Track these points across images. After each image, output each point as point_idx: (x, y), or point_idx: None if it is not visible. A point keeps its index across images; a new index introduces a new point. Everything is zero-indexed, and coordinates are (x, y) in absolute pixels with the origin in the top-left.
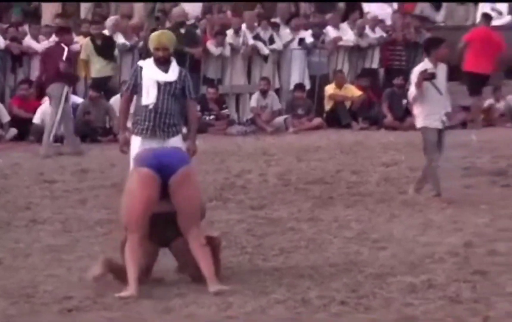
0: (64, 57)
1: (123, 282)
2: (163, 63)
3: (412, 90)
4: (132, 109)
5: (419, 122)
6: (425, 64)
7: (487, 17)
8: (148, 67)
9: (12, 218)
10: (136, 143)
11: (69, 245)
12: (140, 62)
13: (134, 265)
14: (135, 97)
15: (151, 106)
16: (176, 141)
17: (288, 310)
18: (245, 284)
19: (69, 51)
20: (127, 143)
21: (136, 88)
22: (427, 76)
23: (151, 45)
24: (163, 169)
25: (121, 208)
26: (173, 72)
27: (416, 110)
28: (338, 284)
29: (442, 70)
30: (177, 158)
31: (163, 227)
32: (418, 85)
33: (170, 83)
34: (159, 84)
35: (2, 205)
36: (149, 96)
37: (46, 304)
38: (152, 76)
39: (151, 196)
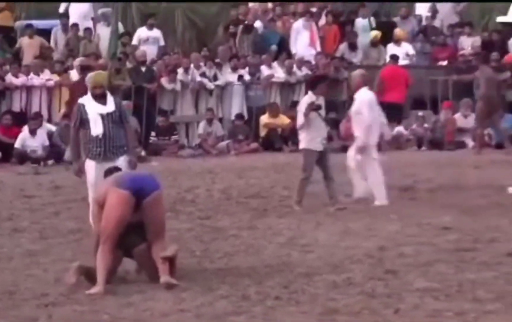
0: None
1: (92, 282)
2: (100, 98)
3: (300, 118)
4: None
5: (302, 145)
6: (310, 97)
7: (394, 57)
8: (89, 103)
9: None
10: (92, 166)
11: (46, 250)
12: (81, 100)
13: (104, 269)
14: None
15: (100, 136)
16: (124, 160)
17: (231, 304)
18: (195, 282)
19: None
20: (81, 170)
21: (83, 123)
22: (315, 107)
23: (89, 85)
24: (138, 191)
25: (92, 217)
26: (111, 103)
27: (302, 135)
28: (273, 282)
29: (322, 102)
30: (150, 184)
31: (127, 234)
32: (307, 114)
33: (110, 113)
34: (102, 116)
35: None
36: (96, 127)
37: (26, 300)
38: (95, 110)
39: (125, 215)
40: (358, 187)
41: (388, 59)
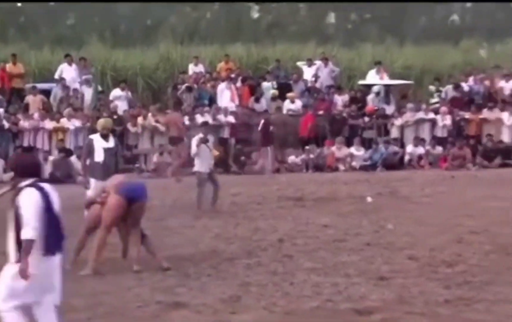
0: None
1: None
2: (106, 137)
3: (193, 149)
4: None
5: (196, 168)
6: (199, 136)
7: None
8: (97, 139)
9: None
10: (92, 182)
11: None
12: (91, 136)
13: (100, 255)
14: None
15: (101, 162)
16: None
17: (176, 279)
18: (151, 266)
19: None
20: (88, 183)
21: (91, 152)
22: (204, 141)
23: (99, 127)
24: (131, 199)
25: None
26: (112, 142)
27: (196, 161)
28: (206, 265)
29: (211, 138)
30: (141, 195)
31: None
32: (198, 146)
33: (110, 148)
34: (104, 149)
35: None
36: (99, 156)
37: None
38: (100, 144)
39: (120, 214)
40: None
41: (284, 111)
